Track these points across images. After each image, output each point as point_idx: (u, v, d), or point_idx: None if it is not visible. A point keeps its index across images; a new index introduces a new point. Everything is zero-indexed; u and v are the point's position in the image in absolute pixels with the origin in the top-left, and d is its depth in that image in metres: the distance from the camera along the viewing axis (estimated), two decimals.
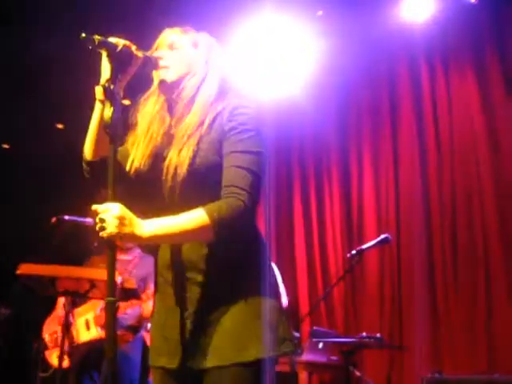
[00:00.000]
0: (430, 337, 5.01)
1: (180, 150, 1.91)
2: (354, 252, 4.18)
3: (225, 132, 1.93)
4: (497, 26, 5.14)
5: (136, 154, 2.03)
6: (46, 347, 4.26)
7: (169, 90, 2.04)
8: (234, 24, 5.13)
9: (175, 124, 2.02)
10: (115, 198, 1.78)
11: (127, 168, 2.02)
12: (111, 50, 1.86)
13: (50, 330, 4.33)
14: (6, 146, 6.88)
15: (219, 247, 1.89)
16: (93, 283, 3.54)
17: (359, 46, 5.56)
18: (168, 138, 2.02)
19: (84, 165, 2.06)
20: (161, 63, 2.02)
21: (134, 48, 1.92)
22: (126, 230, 1.74)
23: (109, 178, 1.80)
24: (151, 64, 2.00)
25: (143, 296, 4.09)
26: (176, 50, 2.06)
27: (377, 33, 5.41)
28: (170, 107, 2.08)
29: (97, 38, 1.83)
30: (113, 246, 1.77)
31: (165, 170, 1.92)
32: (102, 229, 1.72)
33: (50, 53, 5.17)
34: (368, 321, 5.37)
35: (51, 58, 5.26)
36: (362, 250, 4.22)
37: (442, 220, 5.17)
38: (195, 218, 1.80)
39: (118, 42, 1.88)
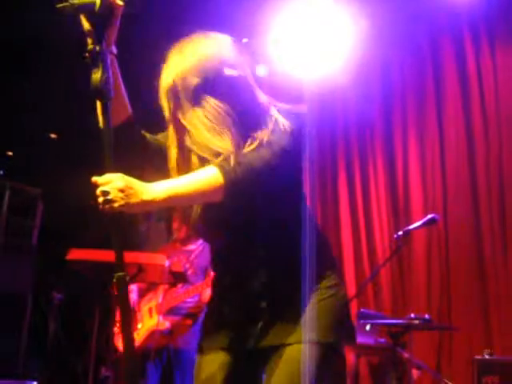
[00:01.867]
0: (480, 317, 4.93)
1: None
2: (400, 233, 4.12)
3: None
4: None
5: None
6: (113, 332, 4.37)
7: None
8: (274, 9, 5.10)
9: None
10: (113, 168, 1.68)
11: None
12: (89, 9, 1.70)
13: (119, 316, 4.43)
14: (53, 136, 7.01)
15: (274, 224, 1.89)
16: (140, 267, 3.60)
17: (401, 24, 5.47)
18: None
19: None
20: None
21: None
22: (134, 199, 1.64)
23: (104, 146, 1.70)
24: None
25: (204, 284, 4.15)
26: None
27: (419, 9, 5.30)
28: None
29: (71, 2, 1.68)
30: (117, 218, 1.67)
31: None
32: (107, 202, 1.62)
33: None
34: (416, 302, 5.32)
35: None
36: (409, 231, 4.16)
37: (490, 199, 5.08)
38: (207, 177, 1.75)
39: None
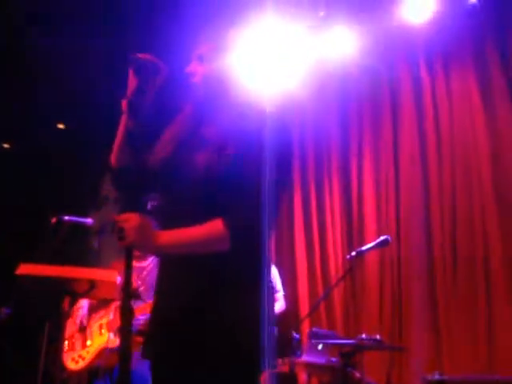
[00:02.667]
0: (430, 338, 5.00)
1: (201, 155, 1.98)
2: (353, 253, 4.17)
3: (228, 141, 1.97)
4: (498, 26, 5.13)
5: (160, 145, 2.11)
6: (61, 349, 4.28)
7: (197, 101, 2.13)
8: (237, 24, 5.13)
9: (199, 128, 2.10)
10: (134, 209, 1.86)
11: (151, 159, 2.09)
12: (137, 64, 1.98)
13: (69, 333, 4.35)
14: (6, 146, 6.89)
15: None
16: (92, 284, 3.54)
17: (361, 46, 5.56)
18: (189, 141, 2.08)
19: (110, 171, 2.15)
20: (190, 77, 2.10)
21: (159, 63, 2.02)
22: (145, 240, 1.82)
23: (129, 188, 1.93)
24: (176, 77, 2.09)
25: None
26: (205, 63, 2.12)
27: (377, 33, 5.41)
28: (195, 114, 2.16)
29: (139, 57, 1.97)
30: (130, 254, 1.83)
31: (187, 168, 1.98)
32: (122, 238, 1.80)
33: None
34: (368, 322, 5.36)
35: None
36: (362, 252, 4.21)
37: (442, 221, 5.17)
38: (211, 228, 1.86)
39: (145, 57, 2.00)
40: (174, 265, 1.99)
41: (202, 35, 2.18)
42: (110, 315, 4.27)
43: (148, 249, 1.91)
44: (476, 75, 5.19)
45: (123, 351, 1.77)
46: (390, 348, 4.93)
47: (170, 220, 1.97)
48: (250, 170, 1.92)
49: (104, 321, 4.31)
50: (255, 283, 1.93)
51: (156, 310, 2.06)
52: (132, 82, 2.02)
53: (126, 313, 1.80)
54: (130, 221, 1.81)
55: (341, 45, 5.45)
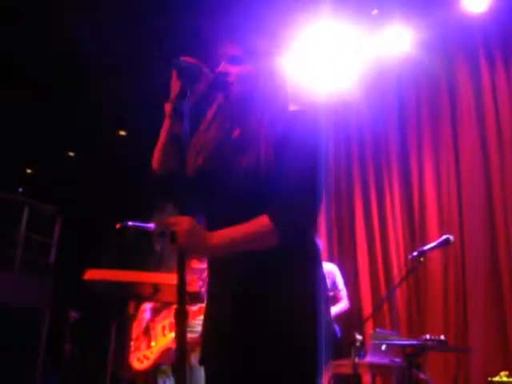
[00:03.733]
0: (497, 338, 4.89)
1: (247, 156, 1.98)
2: (415, 253, 4.11)
3: (282, 143, 1.96)
4: None
5: (196, 155, 2.10)
6: (128, 350, 4.40)
7: (233, 103, 2.10)
8: (291, 26, 5.16)
9: (237, 132, 2.10)
10: (186, 211, 1.87)
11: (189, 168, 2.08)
12: (181, 67, 1.97)
13: (134, 334, 4.47)
14: (71, 154, 7.10)
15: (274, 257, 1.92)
16: (156, 287, 3.62)
17: (417, 42, 5.49)
18: (228, 145, 2.08)
19: (153, 176, 2.15)
20: (227, 80, 2.06)
21: (203, 67, 2.00)
22: (195, 241, 1.84)
23: (179, 191, 1.90)
24: (219, 83, 2.06)
25: None
26: (239, 65, 2.09)
27: (434, 28, 5.33)
28: (231, 116, 2.14)
29: (169, 56, 1.95)
30: (183, 256, 1.84)
31: (233, 174, 1.98)
32: (173, 240, 1.82)
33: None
34: (432, 322, 5.29)
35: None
36: (424, 252, 4.15)
37: (506, 218, 5.05)
38: (259, 224, 1.88)
39: (189, 60, 1.99)
40: (223, 269, 2.01)
41: (229, 36, 2.14)
42: (173, 316, 4.35)
43: (200, 250, 1.92)
44: None
45: (179, 356, 1.80)
46: (455, 349, 4.85)
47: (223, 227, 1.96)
48: (302, 170, 1.92)
49: (166, 322, 4.41)
50: (308, 281, 1.95)
51: (209, 317, 2.08)
52: (175, 85, 1.99)
53: (181, 316, 1.83)
54: (182, 224, 1.82)
55: (397, 42, 5.40)
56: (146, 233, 4.19)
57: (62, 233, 6.67)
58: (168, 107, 2.00)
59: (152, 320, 4.51)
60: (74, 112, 6.13)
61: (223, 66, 2.09)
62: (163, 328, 4.40)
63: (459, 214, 5.34)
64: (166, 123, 2.04)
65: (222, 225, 1.92)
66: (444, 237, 4.15)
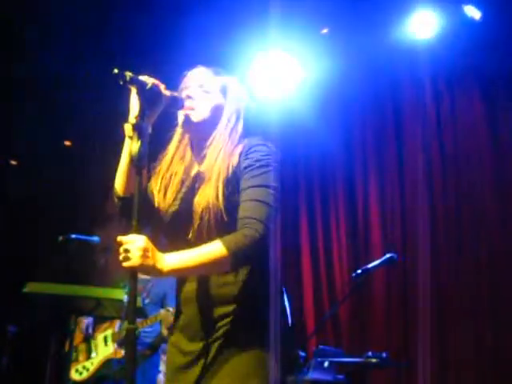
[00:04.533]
0: (437, 354, 4.98)
1: (209, 192, 1.98)
2: (359, 271, 4.16)
3: (241, 170, 2.01)
4: (501, 43, 5.15)
5: (160, 195, 2.12)
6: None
7: (192, 129, 2.12)
8: (240, 43, 5.21)
9: (200, 164, 2.11)
10: (139, 230, 1.83)
11: (155, 205, 2.11)
12: (141, 87, 1.91)
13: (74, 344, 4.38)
14: (13, 163, 6.93)
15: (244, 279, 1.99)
16: (99, 302, 3.56)
17: (364, 63, 5.59)
18: (191, 178, 2.11)
19: (115, 200, 2.13)
20: (187, 103, 2.08)
21: (162, 87, 1.97)
22: (149, 262, 1.79)
23: (133, 208, 1.85)
24: (178, 104, 2.05)
25: (162, 313, 4.15)
26: (204, 92, 2.12)
27: (381, 50, 5.42)
28: (193, 146, 2.17)
29: (128, 74, 1.88)
30: (135, 275, 1.81)
31: (195, 210, 1.99)
32: (126, 259, 1.78)
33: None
34: (375, 338, 5.35)
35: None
36: (368, 270, 4.20)
37: (448, 236, 5.17)
38: (213, 250, 1.87)
39: (148, 80, 1.94)
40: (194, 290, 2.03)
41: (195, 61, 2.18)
42: (116, 327, 4.29)
43: (152, 273, 1.85)
44: (481, 94, 5.21)
45: (129, 372, 1.77)
46: (396, 365, 4.91)
47: None
48: (258, 195, 1.96)
49: (109, 332, 4.34)
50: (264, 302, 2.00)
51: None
52: (134, 105, 1.95)
53: (130, 336, 1.79)
54: (136, 242, 1.78)
55: (341, 62, 5.47)
56: (89, 246, 4.13)
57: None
58: (127, 128, 1.93)
59: (93, 330, 4.44)
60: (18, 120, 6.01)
61: (189, 91, 2.11)
62: (105, 338, 4.33)
63: (402, 232, 5.44)
64: (126, 145, 2.01)
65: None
66: (388, 255, 4.22)
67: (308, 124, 5.84)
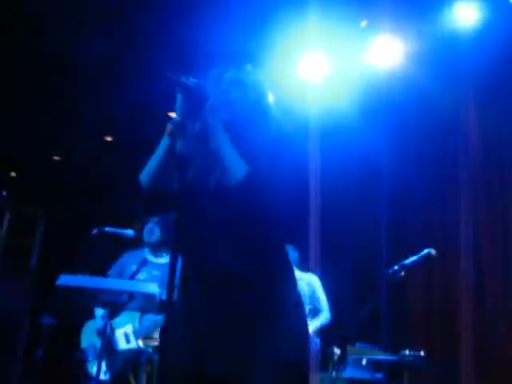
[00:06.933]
0: (478, 355, 4.86)
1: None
2: (396, 267, 4.05)
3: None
4: None
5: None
6: (86, 358, 4.29)
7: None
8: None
9: None
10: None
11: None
12: (188, 89, 1.98)
13: (89, 341, 4.35)
14: (56, 158, 7.04)
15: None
16: (131, 295, 3.55)
17: (407, 55, 5.44)
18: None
19: (141, 189, 2.14)
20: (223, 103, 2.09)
21: (206, 90, 2.03)
22: None
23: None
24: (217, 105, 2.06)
25: None
26: (241, 90, 2.14)
27: (425, 40, 5.27)
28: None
29: (178, 76, 1.97)
30: (174, 269, 1.88)
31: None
32: None
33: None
34: (414, 337, 5.26)
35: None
36: (405, 265, 4.07)
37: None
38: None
39: (195, 82, 2.00)
40: (214, 286, 1.99)
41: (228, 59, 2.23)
42: (135, 323, 4.26)
43: None
44: None
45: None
46: (432, 364, 4.79)
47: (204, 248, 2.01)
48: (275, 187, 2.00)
49: (128, 329, 4.29)
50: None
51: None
52: (180, 105, 2.02)
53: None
54: None
55: (386, 55, 5.33)
56: (123, 239, 4.13)
57: (44, 236, 6.62)
58: (169, 125, 2.02)
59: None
60: (61, 115, 6.08)
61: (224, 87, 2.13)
62: (126, 335, 4.27)
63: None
64: (166, 141, 2.05)
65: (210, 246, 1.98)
66: (425, 250, 4.08)
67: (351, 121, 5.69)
